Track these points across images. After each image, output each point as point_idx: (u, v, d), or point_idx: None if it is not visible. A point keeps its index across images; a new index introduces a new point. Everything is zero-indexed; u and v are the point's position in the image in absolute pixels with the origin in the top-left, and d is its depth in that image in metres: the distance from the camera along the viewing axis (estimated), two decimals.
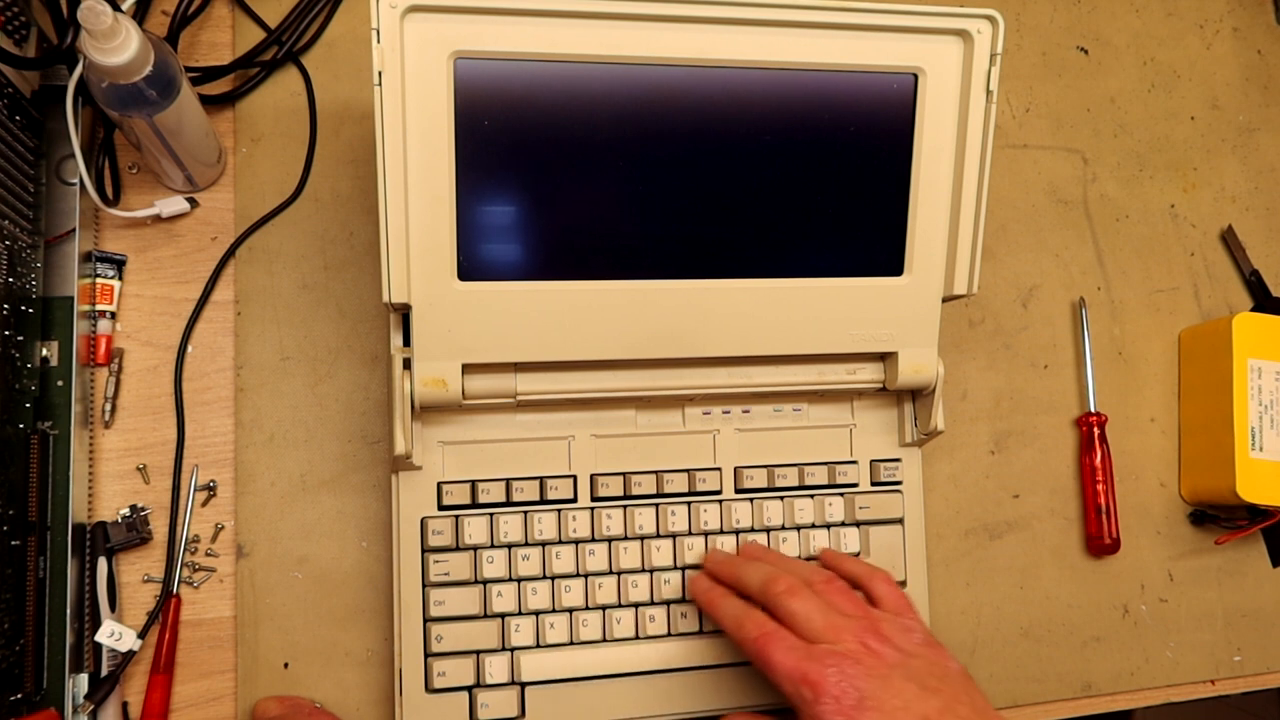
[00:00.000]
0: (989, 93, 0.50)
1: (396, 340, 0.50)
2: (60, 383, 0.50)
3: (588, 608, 0.53)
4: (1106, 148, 0.71)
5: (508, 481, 0.53)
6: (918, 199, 0.52)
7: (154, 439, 0.54)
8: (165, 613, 0.52)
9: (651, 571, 0.54)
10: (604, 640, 0.53)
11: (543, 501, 0.54)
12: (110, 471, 0.53)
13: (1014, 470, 0.66)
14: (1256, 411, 0.64)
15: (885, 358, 0.55)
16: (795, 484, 0.57)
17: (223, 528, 0.54)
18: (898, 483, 0.58)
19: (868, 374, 0.56)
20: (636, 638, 0.54)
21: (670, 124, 0.48)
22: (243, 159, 0.58)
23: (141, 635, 0.51)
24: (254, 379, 0.56)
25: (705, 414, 0.56)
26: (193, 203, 0.56)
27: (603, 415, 0.55)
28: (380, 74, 0.44)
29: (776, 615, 0.47)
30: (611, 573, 0.54)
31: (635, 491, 0.55)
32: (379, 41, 0.44)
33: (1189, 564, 0.67)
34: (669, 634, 0.54)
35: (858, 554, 0.57)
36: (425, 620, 0.52)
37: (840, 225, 0.52)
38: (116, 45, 0.43)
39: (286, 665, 0.53)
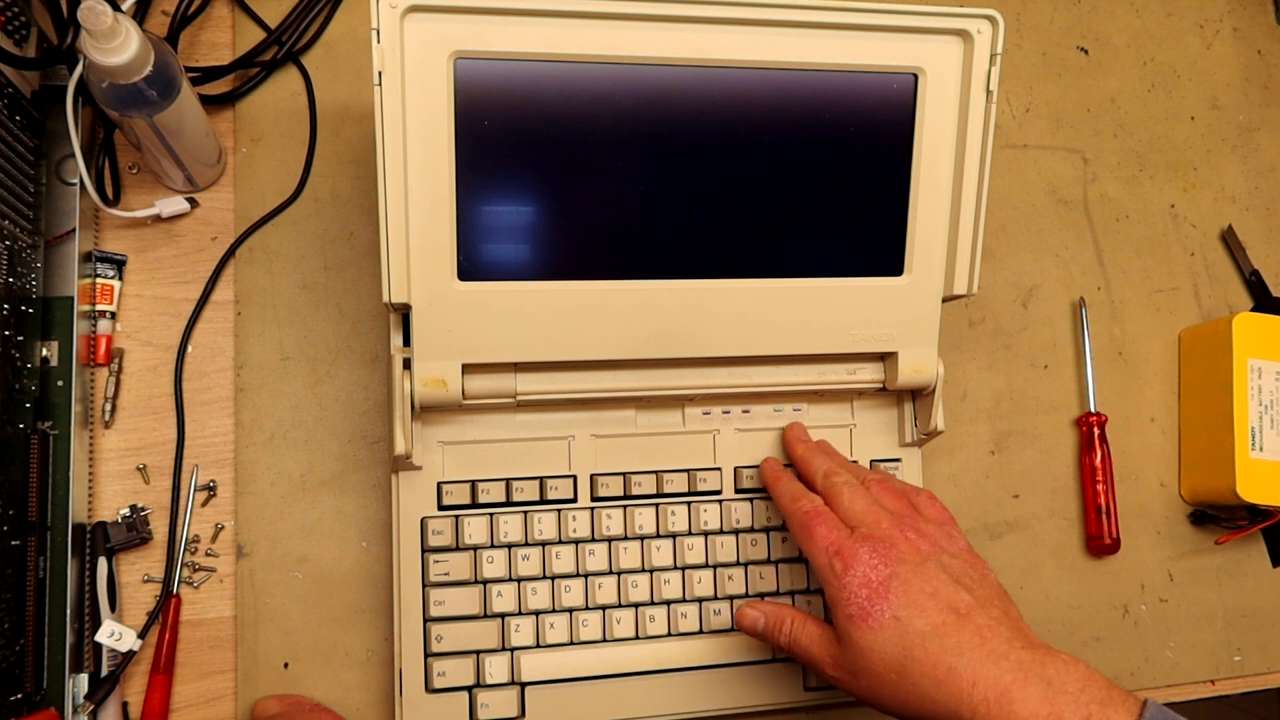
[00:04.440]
0: (989, 93, 0.50)
1: (396, 340, 0.50)
2: (60, 383, 0.50)
3: (588, 608, 0.53)
4: (1106, 148, 0.71)
5: (508, 481, 0.53)
6: (917, 199, 0.52)
7: (154, 439, 0.54)
8: (165, 613, 0.52)
9: (651, 571, 0.54)
10: (604, 640, 0.53)
11: (543, 501, 0.54)
12: (110, 471, 0.53)
13: (1014, 470, 0.66)
14: (1256, 411, 0.64)
15: (885, 358, 0.55)
16: None
17: (223, 528, 0.54)
18: None
19: (868, 374, 0.56)
20: (636, 638, 0.54)
21: (670, 124, 0.48)
22: (243, 159, 0.58)
23: (141, 635, 0.51)
24: (254, 379, 0.56)
25: (705, 414, 0.56)
26: (193, 203, 0.56)
27: (603, 415, 0.55)
28: (380, 74, 0.44)
29: (828, 502, 0.49)
30: (611, 573, 0.54)
31: (635, 491, 0.54)
32: (379, 41, 0.44)
33: (1189, 564, 0.67)
34: (669, 634, 0.54)
35: None
36: (425, 620, 0.52)
37: (840, 225, 0.52)
38: (116, 45, 0.43)
39: (286, 665, 0.53)
